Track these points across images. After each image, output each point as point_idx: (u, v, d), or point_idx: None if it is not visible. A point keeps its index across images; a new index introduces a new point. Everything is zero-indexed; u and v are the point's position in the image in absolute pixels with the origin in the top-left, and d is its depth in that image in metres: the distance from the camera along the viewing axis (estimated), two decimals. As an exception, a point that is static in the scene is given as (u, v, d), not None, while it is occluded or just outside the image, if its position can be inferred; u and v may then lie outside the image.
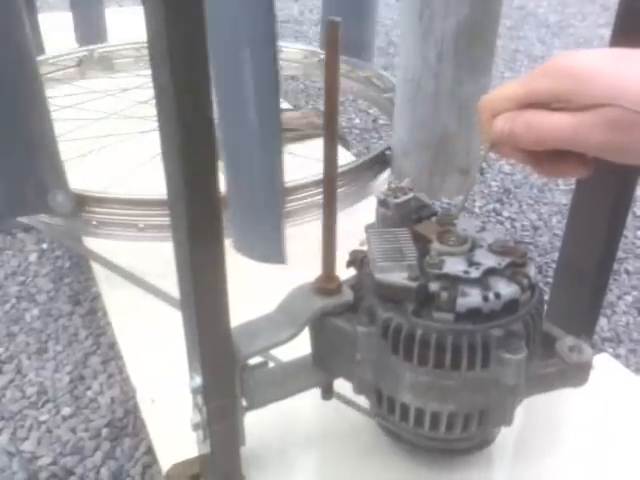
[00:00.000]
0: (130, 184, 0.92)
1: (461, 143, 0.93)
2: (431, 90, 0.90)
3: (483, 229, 0.50)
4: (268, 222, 0.81)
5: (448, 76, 0.88)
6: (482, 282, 0.46)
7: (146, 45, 0.37)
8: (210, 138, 0.39)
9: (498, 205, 1.26)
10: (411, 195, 0.52)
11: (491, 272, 0.46)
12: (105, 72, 1.37)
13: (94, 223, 0.85)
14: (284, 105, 1.36)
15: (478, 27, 0.86)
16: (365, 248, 0.52)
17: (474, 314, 0.45)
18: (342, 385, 0.54)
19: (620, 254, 1.11)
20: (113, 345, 0.86)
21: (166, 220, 0.82)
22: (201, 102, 0.37)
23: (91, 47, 1.39)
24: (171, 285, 0.47)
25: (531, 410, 0.61)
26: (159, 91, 0.38)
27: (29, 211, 0.81)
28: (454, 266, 0.46)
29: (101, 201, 0.85)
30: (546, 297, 0.71)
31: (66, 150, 0.82)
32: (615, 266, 1.06)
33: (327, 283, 0.51)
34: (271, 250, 0.82)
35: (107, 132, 1.06)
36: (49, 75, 1.31)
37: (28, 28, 0.71)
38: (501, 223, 1.20)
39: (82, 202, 0.84)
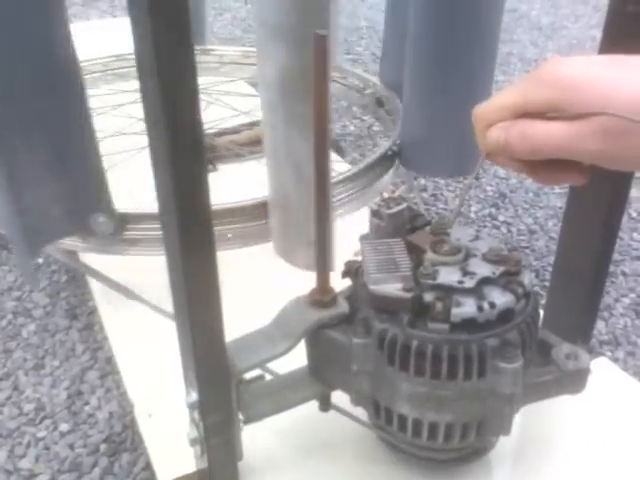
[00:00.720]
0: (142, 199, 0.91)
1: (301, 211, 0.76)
2: (271, 146, 0.76)
3: (477, 238, 0.50)
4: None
5: (280, 131, 0.72)
6: (477, 292, 0.46)
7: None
8: (199, 149, 0.39)
9: (494, 210, 1.26)
10: (404, 205, 0.52)
11: (485, 281, 0.46)
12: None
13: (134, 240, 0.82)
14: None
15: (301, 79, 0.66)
16: (360, 258, 0.52)
17: (469, 324, 0.45)
18: (340, 397, 0.54)
19: (616, 256, 1.11)
20: (110, 359, 0.86)
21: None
22: (189, 113, 0.37)
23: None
24: (167, 298, 0.47)
25: (530, 415, 0.61)
26: (147, 105, 0.38)
27: (70, 233, 0.78)
28: (448, 276, 0.46)
29: (143, 218, 0.82)
30: (543, 301, 0.71)
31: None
32: (612, 268, 1.07)
33: (322, 295, 0.50)
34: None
35: (110, 150, 1.05)
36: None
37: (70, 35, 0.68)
38: (497, 228, 1.20)
39: (124, 221, 0.81)
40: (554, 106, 0.39)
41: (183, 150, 0.38)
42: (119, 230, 0.80)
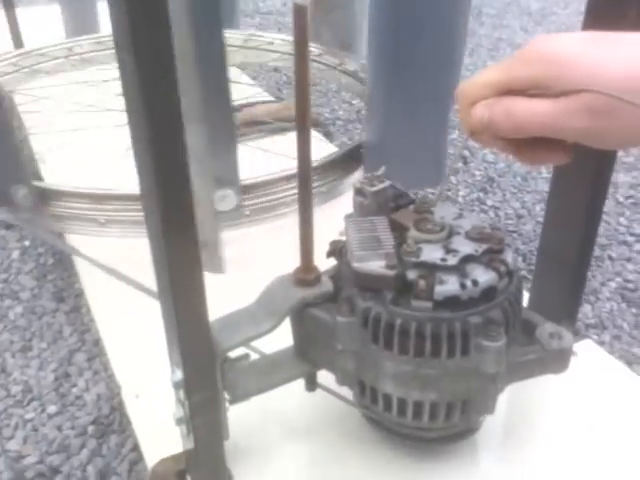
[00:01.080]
0: (102, 178, 0.91)
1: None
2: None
3: (460, 216, 0.50)
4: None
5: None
6: (459, 269, 0.46)
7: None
8: (178, 130, 0.38)
9: (482, 194, 1.26)
10: (388, 183, 0.52)
11: (468, 259, 0.46)
12: (92, 64, 1.35)
13: (56, 217, 0.84)
14: (266, 97, 1.36)
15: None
16: (344, 238, 0.52)
17: (452, 302, 0.45)
18: (326, 376, 0.54)
19: (603, 240, 1.11)
20: (98, 342, 0.86)
21: (130, 215, 0.81)
22: (169, 92, 0.36)
23: (77, 39, 1.38)
24: (154, 279, 0.47)
25: (515, 398, 0.61)
26: (125, 82, 0.38)
27: None
28: (431, 254, 0.46)
29: (63, 195, 0.83)
30: (529, 285, 0.71)
31: (42, 142, 0.80)
32: (598, 252, 1.08)
33: (306, 274, 0.50)
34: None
35: (84, 125, 1.05)
36: (35, 67, 1.30)
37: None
38: (485, 212, 1.21)
39: (45, 197, 0.82)
40: (538, 83, 0.39)
41: (162, 131, 0.38)
42: (39, 204, 0.81)
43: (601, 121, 0.37)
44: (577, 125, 0.38)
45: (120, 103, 0.40)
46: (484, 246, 0.47)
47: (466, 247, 0.47)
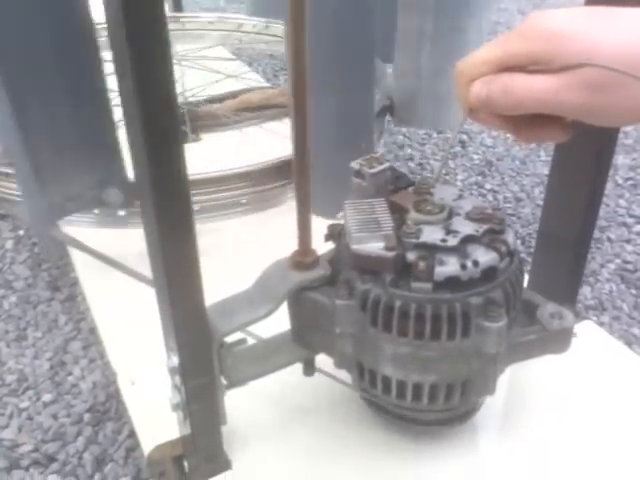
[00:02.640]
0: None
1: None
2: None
3: (461, 197, 0.50)
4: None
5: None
6: (460, 250, 0.45)
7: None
8: (173, 117, 0.37)
9: (480, 178, 1.26)
10: (386, 165, 0.51)
11: (469, 240, 0.45)
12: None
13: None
14: (263, 83, 1.34)
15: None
16: (342, 221, 0.51)
17: (453, 283, 0.44)
18: (324, 360, 0.53)
19: (602, 222, 1.11)
20: (94, 330, 0.85)
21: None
22: (161, 68, 0.35)
23: None
24: (149, 268, 0.46)
25: (515, 379, 0.61)
26: (120, 75, 0.37)
27: (82, 207, 0.77)
28: (431, 235, 0.45)
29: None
30: (529, 267, 0.70)
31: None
32: (597, 234, 1.07)
33: (304, 257, 0.50)
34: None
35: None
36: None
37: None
38: (483, 196, 1.20)
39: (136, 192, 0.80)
40: (536, 59, 0.38)
41: (157, 119, 0.37)
42: (129, 201, 0.79)
43: (601, 96, 0.36)
44: (577, 100, 0.37)
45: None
46: (485, 226, 0.46)
47: (466, 228, 0.46)
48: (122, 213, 0.82)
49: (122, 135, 0.76)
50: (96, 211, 0.82)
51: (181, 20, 1.39)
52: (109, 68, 0.42)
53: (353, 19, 0.73)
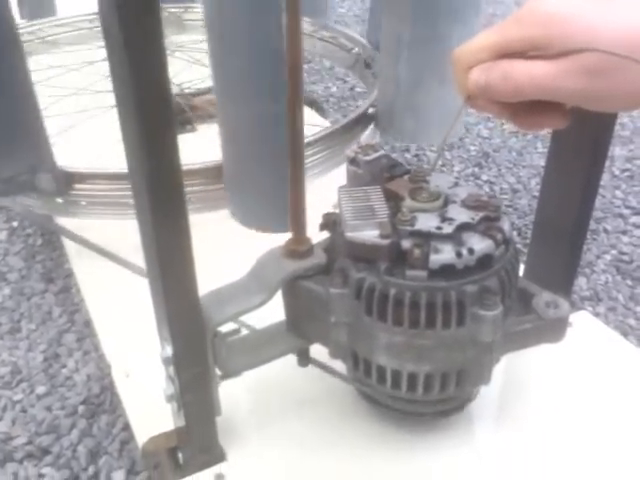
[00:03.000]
0: (110, 160, 0.88)
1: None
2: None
3: (456, 184, 0.49)
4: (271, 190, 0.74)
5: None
6: (455, 238, 0.44)
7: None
8: (167, 107, 0.37)
9: (477, 169, 1.25)
10: (381, 153, 0.50)
11: (464, 227, 0.45)
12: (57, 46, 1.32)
13: (82, 203, 0.80)
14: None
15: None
16: (337, 211, 0.50)
17: (448, 271, 0.44)
18: (318, 351, 0.53)
19: (598, 214, 1.10)
20: (88, 322, 0.84)
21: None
22: (156, 71, 0.35)
23: (43, 20, 1.34)
24: (143, 259, 0.46)
25: (511, 369, 0.61)
26: (113, 63, 0.37)
27: (15, 191, 0.76)
28: (426, 222, 0.45)
29: (90, 178, 0.79)
30: (525, 258, 0.70)
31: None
32: (593, 226, 1.07)
33: (298, 245, 0.49)
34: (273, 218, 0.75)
35: (76, 108, 1.03)
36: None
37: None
38: (480, 187, 1.19)
39: (70, 180, 0.78)
40: (535, 44, 0.37)
41: (150, 108, 0.37)
42: (63, 189, 0.78)
43: (601, 81, 0.36)
44: (576, 86, 0.37)
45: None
46: (480, 214, 0.46)
47: (462, 215, 0.46)
48: (60, 201, 0.80)
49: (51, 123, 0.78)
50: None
51: (178, 10, 1.38)
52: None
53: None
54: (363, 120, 0.96)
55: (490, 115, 0.44)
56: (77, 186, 0.79)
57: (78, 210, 0.81)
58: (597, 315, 0.88)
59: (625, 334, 0.84)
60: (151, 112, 0.37)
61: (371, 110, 0.97)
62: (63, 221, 0.86)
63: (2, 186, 0.74)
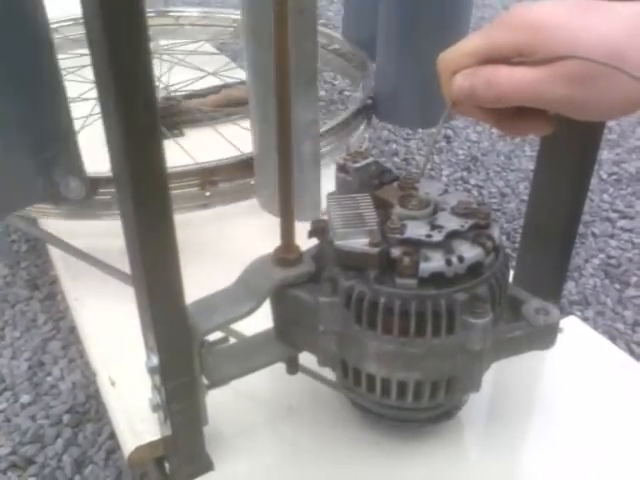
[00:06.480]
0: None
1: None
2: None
3: (446, 191, 0.49)
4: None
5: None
6: (445, 245, 0.44)
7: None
8: (151, 104, 0.36)
9: (465, 173, 1.25)
10: (371, 160, 0.50)
11: (454, 235, 0.45)
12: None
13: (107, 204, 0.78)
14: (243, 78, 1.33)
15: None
16: (327, 217, 0.50)
17: (438, 279, 0.44)
18: (307, 358, 0.52)
19: (586, 217, 1.11)
20: (73, 329, 0.83)
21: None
22: (140, 74, 0.34)
23: None
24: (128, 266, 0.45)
25: (500, 376, 0.60)
26: (96, 67, 0.36)
27: (39, 199, 0.75)
28: (416, 230, 0.44)
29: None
30: (514, 263, 0.70)
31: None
32: (582, 229, 1.07)
33: (287, 253, 0.49)
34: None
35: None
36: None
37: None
38: (468, 191, 1.20)
39: (95, 185, 0.76)
40: (519, 50, 0.38)
41: (134, 111, 0.36)
42: (90, 194, 0.77)
43: (584, 89, 0.36)
44: (560, 93, 0.37)
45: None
46: (470, 221, 0.46)
47: (452, 223, 0.45)
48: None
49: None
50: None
51: (168, 15, 1.37)
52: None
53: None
54: (363, 112, 0.96)
55: (476, 120, 0.44)
56: (101, 190, 0.78)
57: (103, 212, 0.79)
58: (586, 319, 0.88)
59: (613, 338, 0.84)
60: (134, 117, 0.36)
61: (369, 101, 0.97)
62: (48, 226, 0.85)
63: (26, 191, 0.71)
